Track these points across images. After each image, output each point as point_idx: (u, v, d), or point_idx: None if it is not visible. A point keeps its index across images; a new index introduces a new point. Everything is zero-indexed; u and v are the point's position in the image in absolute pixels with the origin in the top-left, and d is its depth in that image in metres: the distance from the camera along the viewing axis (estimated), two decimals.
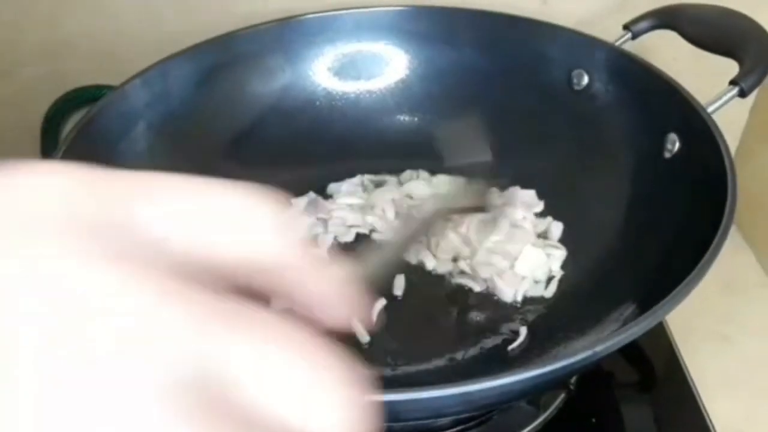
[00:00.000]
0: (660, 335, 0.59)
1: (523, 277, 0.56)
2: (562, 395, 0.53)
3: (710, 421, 0.53)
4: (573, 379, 0.54)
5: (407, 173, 0.66)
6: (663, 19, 0.59)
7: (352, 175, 0.67)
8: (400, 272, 0.57)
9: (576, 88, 0.62)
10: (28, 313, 0.12)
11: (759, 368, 0.59)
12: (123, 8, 0.69)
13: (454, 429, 0.50)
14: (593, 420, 0.53)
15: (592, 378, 0.54)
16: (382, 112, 0.70)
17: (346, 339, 0.16)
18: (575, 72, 0.62)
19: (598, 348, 0.35)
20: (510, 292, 0.56)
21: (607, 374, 0.56)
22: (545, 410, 0.52)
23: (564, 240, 0.60)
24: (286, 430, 0.14)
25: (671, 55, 0.62)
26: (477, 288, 0.57)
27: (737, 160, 0.69)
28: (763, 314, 0.65)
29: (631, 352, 0.57)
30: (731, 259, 0.69)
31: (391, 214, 0.61)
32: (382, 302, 0.54)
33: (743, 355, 0.60)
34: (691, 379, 0.56)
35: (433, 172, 0.67)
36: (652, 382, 0.57)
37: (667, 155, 0.54)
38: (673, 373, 0.57)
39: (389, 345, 0.53)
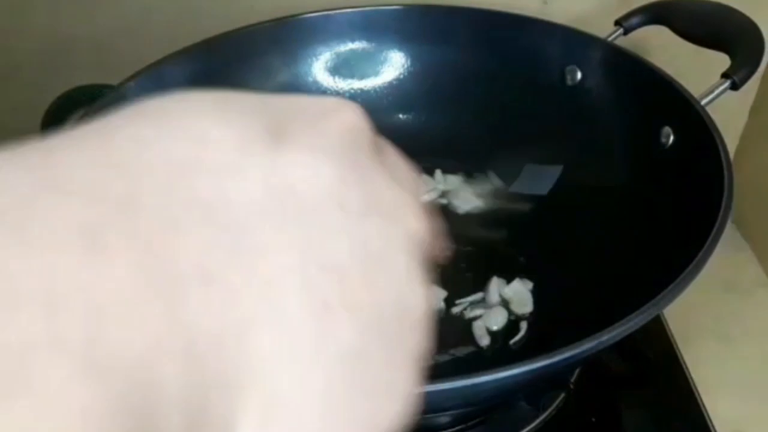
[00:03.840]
0: (660, 335, 0.59)
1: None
2: (562, 395, 0.53)
3: (710, 421, 0.53)
4: (573, 379, 0.53)
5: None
6: (654, 15, 0.60)
7: None
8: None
9: (570, 84, 0.63)
10: None
11: (759, 368, 0.59)
12: (122, 8, 0.69)
13: (455, 428, 0.50)
14: (593, 420, 0.52)
15: (592, 378, 0.54)
16: (378, 111, 0.69)
17: None
18: (569, 68, 0.63)
19: (603, 338, 0.35)
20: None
21: (607, 374, 0.56)
22: (545, 410, 0.52)
23: (560, 238, 0.59)
24: None
25: (670, 53, 0.62)
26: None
27: (737, 160, 0.69)
28: (763, 314, 0.64)
29: (631, 351, 0.57)
30: (731, 259, 0.69)
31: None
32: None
33: (743, 355, 0.60)
34: (691, 379, 0.56)
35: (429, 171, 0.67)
36: (652, 382, 0.56)
37: (662, 148, 0.54)
38: (673, 373, 0.57)
39: None
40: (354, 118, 0.18)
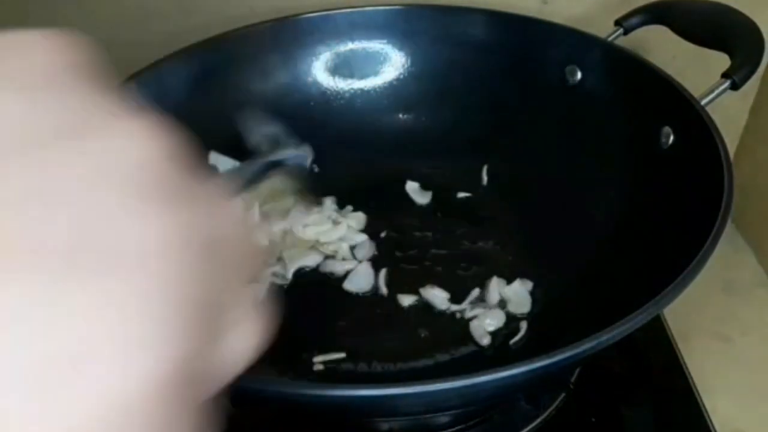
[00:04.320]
0: (660, 335, 0.59)
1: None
2: (562, 395, 0.53)
3: (710, 421, 0.52)
4: (573, 379, 0.53)
5: None
6: (654, 15, 0.60)
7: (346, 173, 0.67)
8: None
9: (570, 84, 0.63)
10: None
11: (759, 368, 0.59)
12: (122, 8, 0.69)
13: (455, 428, 0.50)
14: (593, 420, 0.52)
15: (592, 378, 0.54)
16: (377, 112, 0.70)
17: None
18: (568, 68, 0.62)
19: (603, 338, 0.35)
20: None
21: (607, 374, 0.56)
22: (545, 410, 0.52)
23: (560, 237, 0.59)
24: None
25: (670, 53, 0.62)
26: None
27: (737, 160, 0.69)
28: (763, 314, 0.64)
29: (631, 351, 0.57)
30: (731, 259, 0.69)
31: None
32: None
33: (743, 355, 0.60)
34: (691, 379, 0.56)
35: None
36: (652, 382, 0.56)
37: (662, 148, 0.54)
38: (673, 373, 0.57)
39: (391, 342, 0.53)
40: (56, 46, 0.16)
